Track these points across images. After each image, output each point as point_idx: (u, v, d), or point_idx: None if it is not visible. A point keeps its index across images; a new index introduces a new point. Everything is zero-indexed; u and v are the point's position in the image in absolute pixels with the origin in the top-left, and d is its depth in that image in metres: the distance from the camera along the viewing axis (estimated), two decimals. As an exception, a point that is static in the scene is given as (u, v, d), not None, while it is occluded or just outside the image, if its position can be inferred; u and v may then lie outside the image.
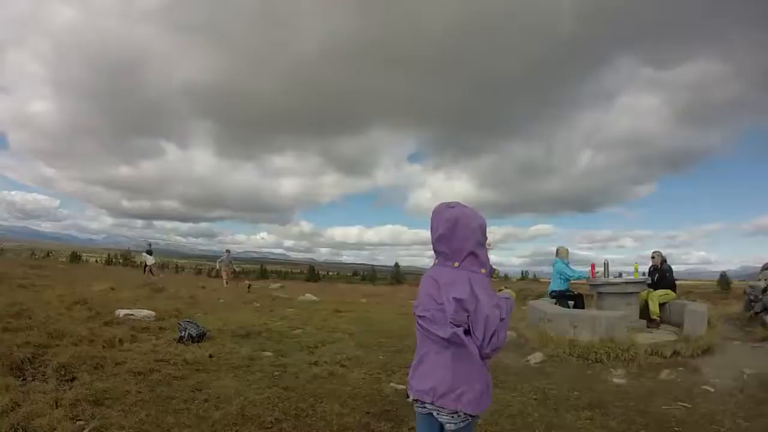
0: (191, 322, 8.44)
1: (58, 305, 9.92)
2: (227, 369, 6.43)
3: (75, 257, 69.39)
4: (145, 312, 9.68)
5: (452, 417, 2.27)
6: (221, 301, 14.16)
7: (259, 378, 6.09)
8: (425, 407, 2.35)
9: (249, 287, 20.83)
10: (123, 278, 19.33)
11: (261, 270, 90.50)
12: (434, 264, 2.43)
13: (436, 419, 2.35)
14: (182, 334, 8.02)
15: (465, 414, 2.26)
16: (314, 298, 18.04)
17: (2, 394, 4.56)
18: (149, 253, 27.45)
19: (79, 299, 10.59)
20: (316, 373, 6.46)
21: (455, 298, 2.19)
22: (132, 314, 9.34)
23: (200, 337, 8.09)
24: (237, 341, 8.35)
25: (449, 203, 2.40)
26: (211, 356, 7.07)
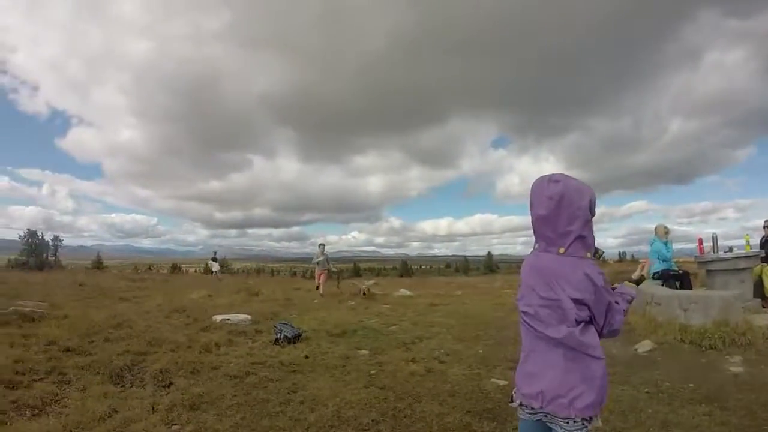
0: (287, 324, 8.59)
1: (158, 314, 10.38)
2: (323, 369, 6.42)
3: (175, 268, 73.75)
4: (242, 316, 9.95)
5: (566, 423, 1.96)
6: (315, 301, 14.40)
7: (355, 378, 6.02)
8: (534, 413, 2.05)
9: (338, 279, 20.40)
10: (219, 285, 20.29)
11: (354, 268, 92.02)
12: (534, 249, 2.10)
13: (546, 425, 2.04)
14: (278, 336, 8.14)
15: (581, 419, 1.95)
16: (409, 293, 17.90)
17: (101, 401, 4.74)
18: (214, 260, 28.93)
19: (177, 307, 11.09)
20: (413, 371, 6.31)
21: (574, 299, 1.91)
22: (228, 319, 9.63)
23: (296, 339, 8.17)
24: (332, 341, 8.37)
25: (552, 176, 2.03)
26: (306, 357, 7.11)
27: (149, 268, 70.48)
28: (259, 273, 68.22)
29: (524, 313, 2.06)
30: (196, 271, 76.53)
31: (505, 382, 5.77)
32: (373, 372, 6.32)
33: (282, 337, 8.14)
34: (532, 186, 2.08)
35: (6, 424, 4.11)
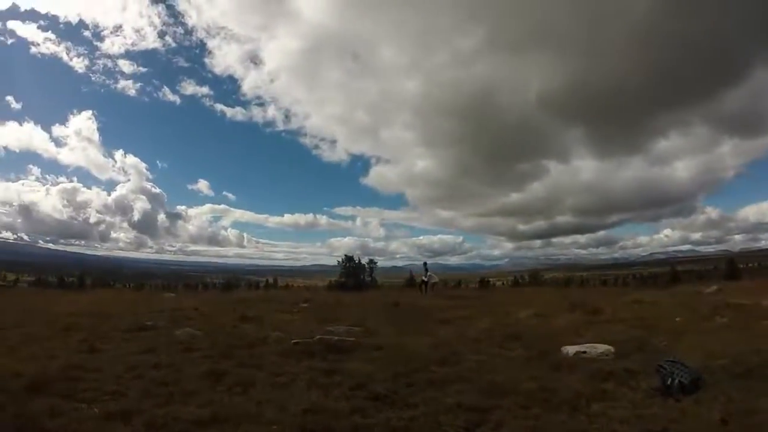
0: (676, 362, 5.72)
1: (488, 343, 8.53)
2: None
3: (483, 283, 74.92)
4: (600, 347, 7.27)
5: None
6: (677, 319, 10.65)
7: None
8: None
9: None
10: (544, 301, 17.10)
11: (671, 273, 79.86)
12: None
13: None
14: (668, 382, 5.42)
15: None
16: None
17: None
18: (425, 270, 25.77)
19: (510, 333, 9.02)
20: None
21: None
22: (584, 352, 7.09)
23: (694, 385, 5.32)
24: (741, 386, 5.34)
25: None
26: (724, 422, 4.40)
27: (459, 284, 72.87)
28: (568, 284, 63.77)
29: None
30: (503, 284, 76.78)
31: None
32: None
33: (675, 383, 5.34)
34: None
35: None
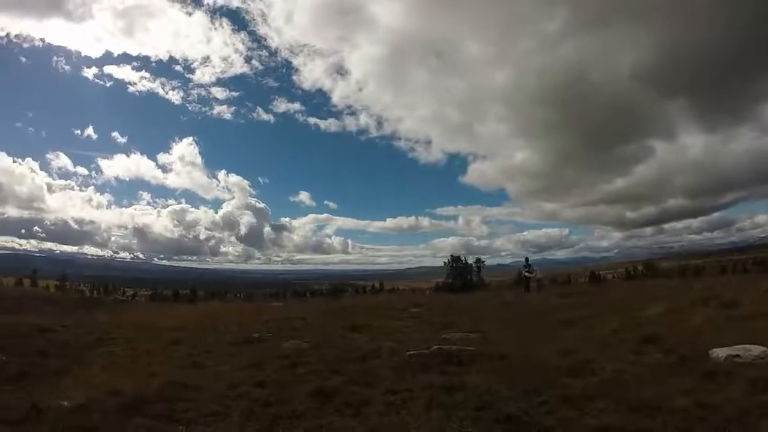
0: None
1: (620, 347, 7.56)
2: None
3: (594, 277, 71.09)
4: (756, 349, 6.16)
5: None
6: None
7: None
8: None
9: None
10: (670, 294, 15.31)
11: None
12: None
13: None
14: None
15: None
16: None
17: None
18: (527, 265, 24.14)
19: (643, 335, 7.94)
20: None
21: None
22: (737, 355, 6.05)
23: None
24: None
25: None
26: None
27: (568, 281, 69.73)
28: (684, 273, 58.32)
29: None
30: (614, 277, 72.05)
31: None
32: None
33: None
34: None
35: None
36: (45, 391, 5.87)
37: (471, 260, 47.74)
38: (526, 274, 23.58)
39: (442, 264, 48.13)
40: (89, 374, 6.68)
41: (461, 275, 44.84)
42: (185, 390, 5.99)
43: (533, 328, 10.30)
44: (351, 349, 8.61)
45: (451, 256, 46.87)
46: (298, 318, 14.13)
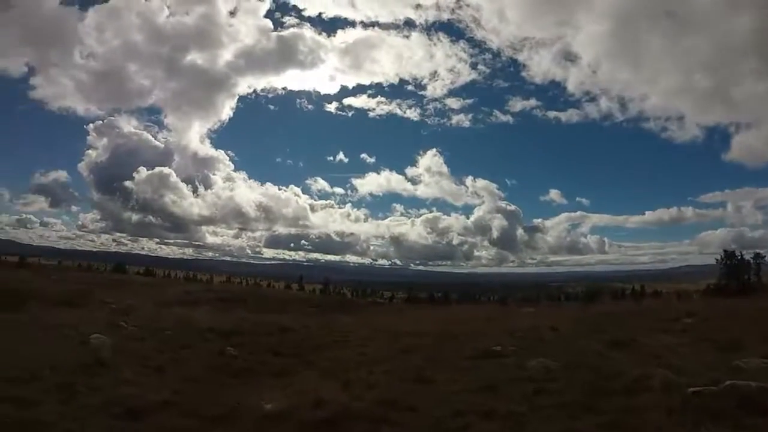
0: None
1: None
2: None
3: None
4: None
5: None
6: None
7: None
8: None
9: None
10: None
11: None
12: None
13: None
14: None
15: None
16: None
17: None
18: None
19: None
20: None
21: None
22: None
23: None
24: None
25: None
26: None
27: None
28: None
29: None
30: None
31: None
32: None
33: None
34: None
35: None
36: (261, 389, 5.85)
37: (748, 256, 39.35)
38: None
39: (712, 262, 40.80)
40: (307, 378, 6.52)
41: (737, 275, 37.27)
42: (397, 411, 5.31)
43: None
44: (610, 374, 6.71)
45: (724, 251, 39.27)
46: (549, 327, 12.47)
